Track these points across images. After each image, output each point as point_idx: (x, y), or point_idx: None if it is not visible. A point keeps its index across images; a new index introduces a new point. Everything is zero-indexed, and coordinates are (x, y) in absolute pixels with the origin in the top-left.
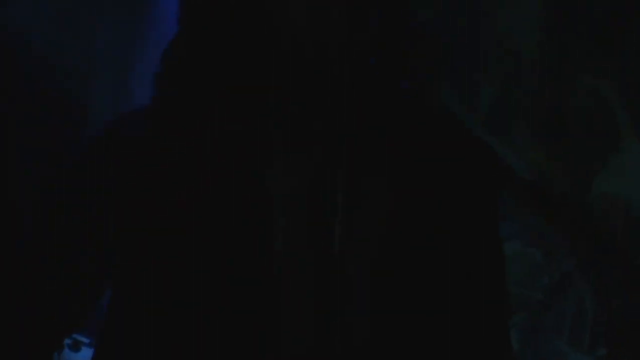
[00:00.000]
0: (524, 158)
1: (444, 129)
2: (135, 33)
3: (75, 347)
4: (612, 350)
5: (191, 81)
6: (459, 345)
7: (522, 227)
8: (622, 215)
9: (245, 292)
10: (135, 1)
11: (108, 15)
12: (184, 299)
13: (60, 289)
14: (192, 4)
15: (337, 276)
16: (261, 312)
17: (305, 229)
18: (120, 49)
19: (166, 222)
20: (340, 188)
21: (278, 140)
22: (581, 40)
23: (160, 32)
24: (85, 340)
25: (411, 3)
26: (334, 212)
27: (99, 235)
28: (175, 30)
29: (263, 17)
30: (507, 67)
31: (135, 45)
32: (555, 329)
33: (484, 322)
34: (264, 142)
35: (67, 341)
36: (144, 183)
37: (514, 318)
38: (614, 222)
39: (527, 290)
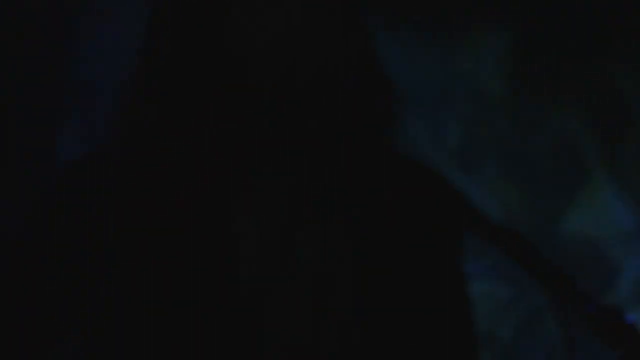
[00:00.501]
0: (492, 196)
1: (407, 170)
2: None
3: None
4: None
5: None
6: None
7: (490, 266)
8: (590, 252)
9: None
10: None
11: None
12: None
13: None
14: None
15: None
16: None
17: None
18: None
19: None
20: (304, 231)
21: (246, 181)
22: (548, 78)
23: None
24: None
25: (375, 40)
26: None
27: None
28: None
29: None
30: (475, 105)
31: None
32: None
33: None
34: (233, 182)
35: None
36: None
37: (483, 357)
38: (582, 260)
39: (496, 328)
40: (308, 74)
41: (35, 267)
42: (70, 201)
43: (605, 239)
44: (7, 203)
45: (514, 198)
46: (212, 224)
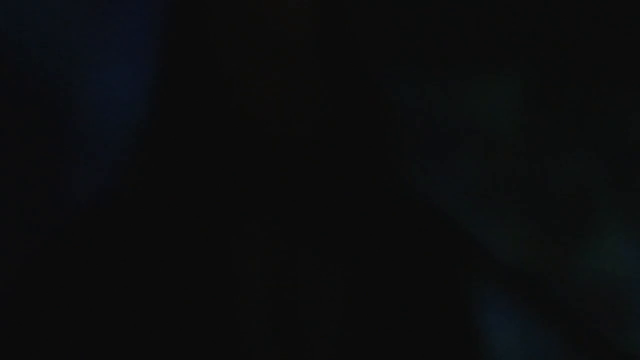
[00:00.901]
0: (505, 238)
1: (416, 214)
2: None
3: None
4: None
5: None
6: None
7: (503, 307)
8: (604, 295)
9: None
10: None
11: None
12: None
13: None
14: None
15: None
16: None
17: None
18: None
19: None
20: (304, 280)
21: (245, 229)
22: (559, 121)
23: None
24: None
25: (387, 82)
26: (297, 303)
27: None
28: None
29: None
30: (487, 148)
31: None
32: None
33: None
34: (231, 229)
35: None
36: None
37: None
38: (596, 302)
39: None
40: (312, 118)
41: (36, 319)
42: (77, 249)
43: (619, 282)
44: (11, 249)
45: (526, 241)
46: (213, 268)
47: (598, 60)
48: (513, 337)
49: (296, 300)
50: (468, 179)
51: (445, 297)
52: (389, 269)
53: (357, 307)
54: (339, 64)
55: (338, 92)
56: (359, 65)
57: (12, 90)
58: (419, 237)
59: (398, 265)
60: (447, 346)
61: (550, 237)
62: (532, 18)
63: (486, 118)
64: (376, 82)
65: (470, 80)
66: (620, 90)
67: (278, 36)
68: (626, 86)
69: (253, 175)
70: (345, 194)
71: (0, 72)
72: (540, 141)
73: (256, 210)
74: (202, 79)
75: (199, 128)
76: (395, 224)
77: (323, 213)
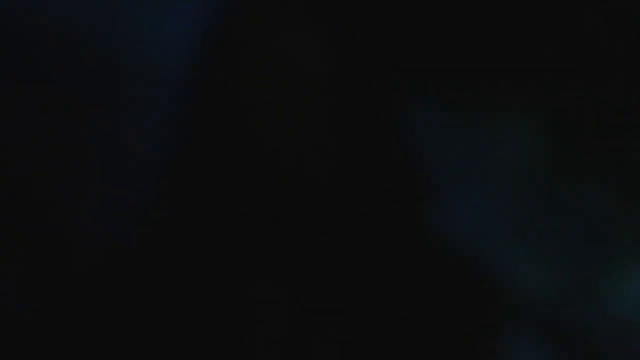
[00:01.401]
0: (528, 272)
1: (440, 246)
2: None
3: None
4: None
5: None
6: None
7: (527, 342)
8: (629, 329)
9: None
10: None
11: None
12: None
13: None
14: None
15: None
16: None
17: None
18: None
19: None
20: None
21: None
22: (582, 157)
23: None
24: None
25: (409, 118)
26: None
27: None
28: None
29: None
30: (508, 182)
31: None
32: None
33: None
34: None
35: None
36: None
37: None
38: (621, 337)
39: None
40: (329, 153)
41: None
42: (96, 286)
43: None
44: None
45: (549, 275)
46: (232, 310)
47: (622, 96)
48: None
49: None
50: (493, 214)
51: (474, 336)
52: (414, 309)
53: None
54: (356, 97)
55: (356, 125)
56: (379, 99)
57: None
58: (445, 275)
59: (424, 304)
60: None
61: (574, 270)
62: (557, 51)
63: (510, 154)
64: (396, 116)
65: (494, 118)
66: None
67: (294, 70)
68: None
69: (271, 208)
70: (366, 230)
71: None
72: (563, 176)
73: (273, 245)
74: (225, 114)
75: (220, 173)
76: (419, 261)
77: (344, 250)
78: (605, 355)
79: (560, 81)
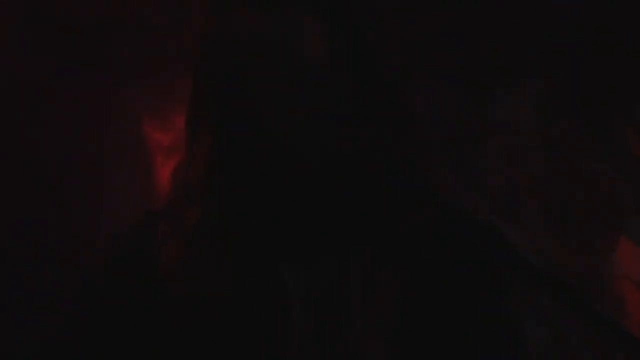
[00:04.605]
0: (532, 241)
1: (448, 221)
2: None
3: None
4: None
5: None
6: None
7: (531, 307)
8: (632, 296)
9: None
10: None
11: None
12: None
13: None
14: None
15: None
16: None
17: (322, 329)
18: None
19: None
20: (354, 292)
21: (297, 247)
22: (582, 125)
23: None
24: None
25: (416, 94)
26: (350, 311)
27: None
28: None
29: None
30: (510, 153)
31: None
32: None
33: None
34: (284, 247)
35: None
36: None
37: None
38: (624, 304)
39: None
40: (339, 135)
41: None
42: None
43: None
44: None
45: (555, 243)
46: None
47: (621, 63)
48: (548, 340)
49: (348, 312)
50: (495, 185)
51: (487, 299)
52: (429, 274)
53: (402, 314)
54: (362, 80)
55: (363, 107)
56: (383, 79)
57: None
58: (454, 239)
59: (439, 270)
60: (490, 349)
61: (577, 238)
62: (553, 28)
63: (511, 125)
64: (400, 93)
65: (495, 88)
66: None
67: (300, 62)
68: None
69: (297, 198)
70: (380, 205)
71: None
72: (565, 145)
73: (303, 230)
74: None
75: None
76: (432, 229)
77: (361, 225)
78: (602, 317)
79: (559, 54)
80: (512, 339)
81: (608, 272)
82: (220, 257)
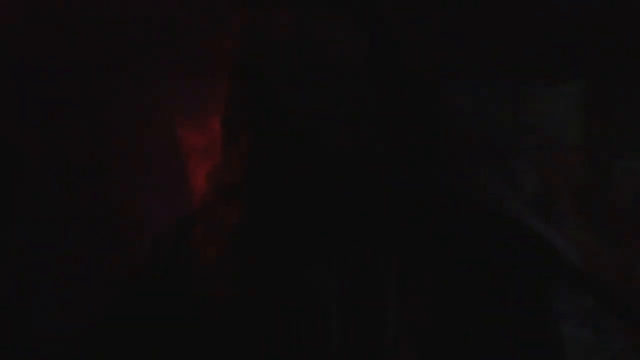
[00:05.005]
0: (572, 242)
1: (488, 220)
2: None
3: None
4: None
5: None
6: None
7: (574, 310)
8: None
9: None
10: None
11: None
12: None
13: None
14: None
15: None
16: None
17: (357, 328)
18: None
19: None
20: (389, 288)
21: (328, 246)
22: (621, 125)
23: None
24: None
25: (446, 95)
26: (385, 310)
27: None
28: None
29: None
30: (548, 154)
31: None
32: None
33: None
34: (315, 247)
35: None
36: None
37: None
38: None
39: None
40: (370, 135)
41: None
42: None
43: None
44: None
45: (593, 244)
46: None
47: None
48: (593, 341)
49: (383, 312)
50: (534, 186)
51: (525, 301)
52: (465, 275)
53: (437, 315)
54: (392, 80)
55: (393, 107)
56: (414, 80)
57: None
58: (493, 241)
59: (475, 270)
60: (527, 351)
61: (617, 239)
62: (589, 27)
63: (548, 126)
64: (433, 93)
65: (531, 90)
66: None
67: (331, 62)
68: None
69: (331, 198)
70: (413, 205)
71: None
72: (603, 145)
73: (338, 230)
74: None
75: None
76: (467, 230)
77: (393, 225)
78: None
79: (599, 54)
80: (550, 341)
81: None
82: (260, 258)
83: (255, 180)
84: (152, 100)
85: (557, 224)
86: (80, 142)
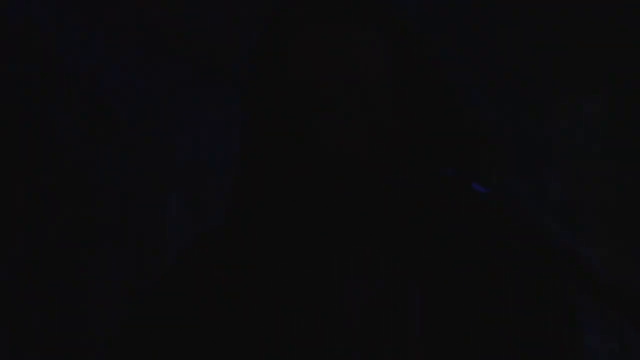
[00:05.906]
0: (597, 252)
1: (516, 233)
2: None
3: None
4: None
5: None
6: None
7: (599, 319)
8: None
9: None
10: None
11: None
12: None
13: None
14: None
15: None
16: None
17: (382, 344)
18: None
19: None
20: (412, 302)
21: (349, 261)
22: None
23: None
24: None
25: (473, 106)
26: (409, 324)
27: None
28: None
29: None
30: (574, 164)
31: None
32: None
33: None
34: (336, 263)
35: None
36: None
37: None
38: None
39: None
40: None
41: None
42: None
43: None
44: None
45: (617, 255)
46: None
47: None
48: (618, 352)
49: (407, 326)
50: (559, 195)
51: (548, 303)
52: (490, 284)
53: (461, 322)
54: (422, 91)
55: (422, 117)
56: (446, 92)
57: None
58: (517, 247)
59: (500, 280)
60: (550, 346)
61: (638, 255)
62: (614, 41)
63: (574, 137)
64: (465, 104)
65: (559, 102)
66: None
67: (361, 76)
68: None
69: (351, 210)
70: (436, 212)
71: None
72: (627, 157)
73: (356, 245)
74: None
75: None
76: (493, 236)
77: (417, 231)
78: None
79: (623, 68)
80: (574, 352)
81: None
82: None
83: (277, 193)
84: (168, 113)
85: (581, 233)
86: (115, 157)
